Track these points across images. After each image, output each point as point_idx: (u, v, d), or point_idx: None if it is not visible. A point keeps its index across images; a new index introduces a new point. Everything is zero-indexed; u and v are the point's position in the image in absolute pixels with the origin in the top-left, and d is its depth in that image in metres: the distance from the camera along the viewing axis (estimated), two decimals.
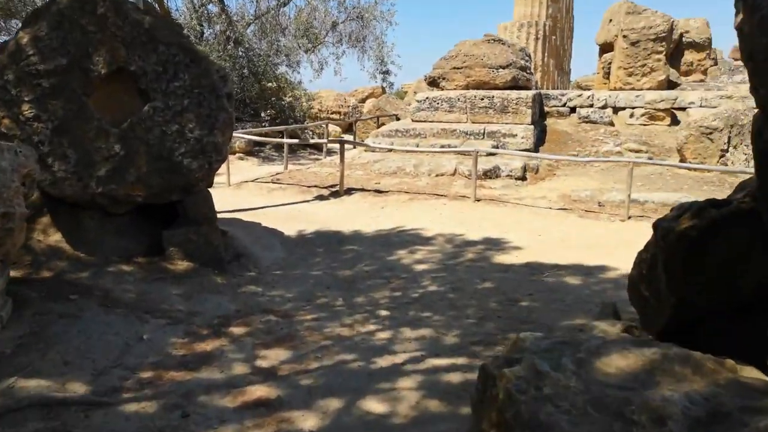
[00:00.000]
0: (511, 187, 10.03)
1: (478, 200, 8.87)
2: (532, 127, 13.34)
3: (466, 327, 3.97)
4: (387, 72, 15.97)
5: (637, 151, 12.10)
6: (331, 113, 24.60)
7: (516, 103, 13.62)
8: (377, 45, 15.69)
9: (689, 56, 17.56)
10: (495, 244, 6.53)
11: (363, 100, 32.93)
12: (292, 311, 4.34)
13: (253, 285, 4.99)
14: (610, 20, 17.90)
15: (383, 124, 19.39)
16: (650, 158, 11.26)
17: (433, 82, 16.89)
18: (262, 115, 16.87)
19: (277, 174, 11.34)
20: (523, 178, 10.55)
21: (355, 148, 13.35)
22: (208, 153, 5.12)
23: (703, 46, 17.09)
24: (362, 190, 9.65)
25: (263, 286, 4.98)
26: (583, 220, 7.86)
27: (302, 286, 5.02)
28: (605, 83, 21.66)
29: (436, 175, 10.67)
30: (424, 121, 14.53)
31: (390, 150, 9.61)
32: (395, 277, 5.33)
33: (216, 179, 5.81)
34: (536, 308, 4.42)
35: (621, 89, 17.01)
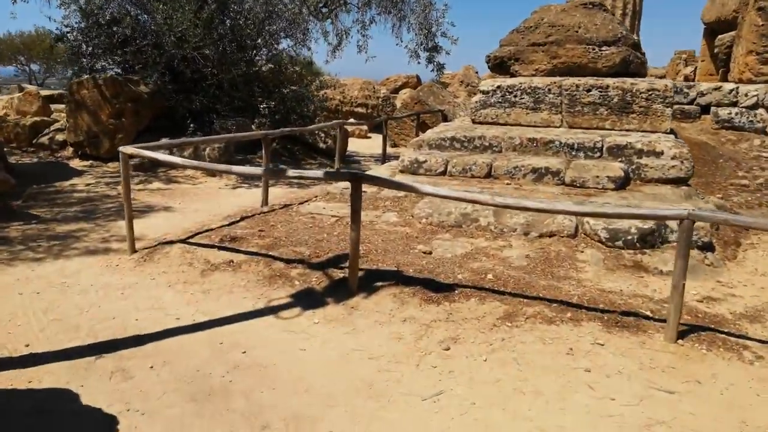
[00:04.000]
0: (700, 273, 4.84)
1: (684, 334, 3.67)
2: (674, 137, 8.13)
3: None
4: (435, 49, 10.91)
5: None
6: (356, 106, 19.53)
7: (647, 99, 8.38)
8: (422, 8, 10.60)
9: None
10: None
11: (395, 91, 27.79)
12: None
13: None
14: None
15: (424, 123, 14.23)
16: None
17: (499, 66, 11.70)
18: (261, 108, 11.93)
19: (246, 217, 6.34)
20: (710, 248, 5.34)
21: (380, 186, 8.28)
22: None
23: None
24: (395, 275, 4.60)
25: None
26: None
27: None
28: (712, 76, 16.10)
29: (539, 236, 5.54)
30: (493, 123, 9.42)
31: (454, 198, 4.42)
32: None
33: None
34: None
35: (751, 81, 11.63)
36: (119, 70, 11.35)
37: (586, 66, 10.21)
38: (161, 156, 4.72)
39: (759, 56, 11.72)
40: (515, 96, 9.39)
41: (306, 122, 12.14)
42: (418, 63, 11.34)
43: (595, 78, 9.13)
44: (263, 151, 6.88)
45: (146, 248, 5.22)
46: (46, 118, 11.63)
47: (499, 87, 9.52)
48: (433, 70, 11.53)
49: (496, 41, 11.53)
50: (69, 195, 7.71)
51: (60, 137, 10.56)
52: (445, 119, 14.56)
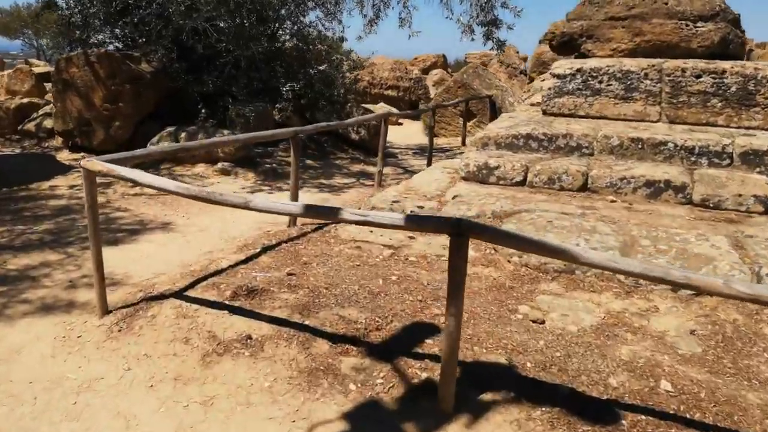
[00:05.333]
0: None
1: None
2: None
3: None
4: (494, 22, 9.04)
5: None
6: (386, 88, 17.66)
7: None
8: None
9: None
10: None
11: (425, 72, 25.83)
12: None
13: None
14: None
15: (469, 112, 12.38)
16: None
17: (566, 44, 9.90)
18: (283, 91, 10.18)
19: (268, 248, 4.63)
20: None
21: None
22: None
23: None
24: (507, 375, 2.87)
25: None
26: None
27: None
28: None
29: (695, 294, 3.78)
30: (571, 115, 7.66)
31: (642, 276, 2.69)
32: None
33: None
34: None
35: None
36: (118, 45, 9.67)
37: (677, 45, 8.40)
38: (140, 176, 3.03)
39: None
40: (600, 82, 7.56)
41: (336, 108, 10.38)
42: (472, 39, 9.50)
43: (706, 61, 7.25)
44: (292, 156, 5.16)
45: (125, 306, 3.55)
46: (35, 100, 10.01)
47: (579, 70, 7.68)
48: (492, 48, 9.65)
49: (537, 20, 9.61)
50: (44, 203, 6.08)
51: (49, 123, 8.94)
52: (493, 106, 12.71)
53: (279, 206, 2.75)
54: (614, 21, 9.22)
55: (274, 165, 8.80)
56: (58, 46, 9.93)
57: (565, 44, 9.69)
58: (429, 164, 9.18)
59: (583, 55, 9.22)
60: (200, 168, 8.07)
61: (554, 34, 9.98)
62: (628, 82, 7.42)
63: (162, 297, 3.64)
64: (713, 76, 6.92)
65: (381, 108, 14.35)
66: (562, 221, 4.76)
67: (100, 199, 6.38)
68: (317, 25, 10.38)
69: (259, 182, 7.92)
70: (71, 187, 6.72)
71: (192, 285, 3.82)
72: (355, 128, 10.57)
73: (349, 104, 10.67)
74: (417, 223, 2.55)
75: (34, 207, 5.89)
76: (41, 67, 13.50)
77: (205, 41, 8.92)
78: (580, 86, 7.70)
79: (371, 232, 5.10)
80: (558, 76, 7.85)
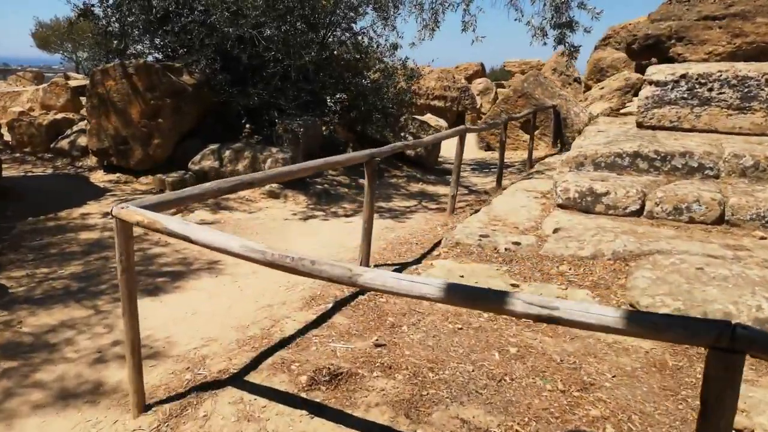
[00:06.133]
0: None
1: None
2: None
3: None
4: (569, 25, 8.00)
5: None
6: (433, 98, 16.70)
7: None
8: None
9: None
10: None
11: (468, 80, 24.80)
12: None
13: None
14: None
15: (531, 122, 11.30)
16: None
17: (651, 48, 8.90)
18: (329, 102, 9.31)
19: (342, 302, 3.69)
20: None
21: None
22: None
23: None
24: None
25: None
26: None
27: None
28: None
29: None
30: (673, 128, 6.63)
31: None
32: None
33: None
34: None
35: None
36: (158, 55, 8.95)
37: None
38: (195, 232, 2.12)
39: None
40: (711, 89, 6.47)
41: (389, 122, 9.46)
42: (544, 44, 8.45)
43: None
44: (366, 183, 4.22)
45: (168, 400, 2.64)
46: (69, 116, 9.36)
47: (683, 76, 6.61)
48: (564, 53, 8.61)
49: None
50: (73, 236, 5.27)
51: (83, 141, 8.24)
52: (557, 117, 11.61)
53: (401, 284, 1.79)
54: (709, 21, 8.12)
55: (326, 186, 7.91)
56: (94, 58, 9.29)
57: (650, 48, 8.60)
58: (499, 184, 8.16)
59: (671, 60, 8.12)
60: (245, 191, 7.23)
61: (635, 36, 8.84)
62: (745, 90, 6.31)
63: (217, 384, 2.72)
64: None
65: (429, 120, 13.39)
66: (717, 268, 3.69)
67: (136, 230, 5.57)
68: (368, 31, 9.51)
69: (311, 206, 7.03)
70: (104, 215, 5.93)
71: (254, 364, 2.89)
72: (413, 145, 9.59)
73: (404, 117, 9.74)
74: (646, 326, 1.55)
75: (62, 242, 5.08)
76: (78, 80, 12.98)
77: (251, 50, 8.12)
78: (685, 95, 6.61)
79: (462, 277, 4.13)
80: (657, 84, 6.78)
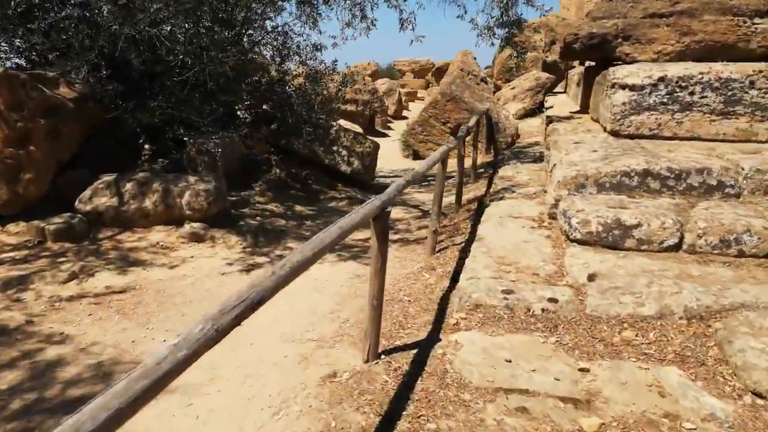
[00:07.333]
0: None
1: None
2: None
3: None
4: (517, 24, 7.16)
5: None
6: (344, 102, 15.48)
7: None
8: None
9: None
10: None
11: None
12: None
13: None
14: None
15: (448, 124, 10.46)
16: None
17: (595, 48, 8.40)
18: (240, 114, 7.80)
19: None
20: None
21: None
22: None
23: None
24: None
25: None
26: None
27: None
28: None
29: None
30: (653, 136, 6.09)
31: None
32: None
33: None
34: None
35: None
36: (21, 62, 6.95)
37: (734, 46, 7.04)
38: None
39: None
40: (692, 93, 5.92)
41: (318, 134, 8.15)
42: (492, 44, 7.61)
43: (726, 64, 5.86)
44: (374, 243, 2.99)
45: None
46: None
47: (661, 79, 6.03)
48: (513, 55, 7.80)
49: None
50: None
51: None
52: (489, 122, 10.90)
53: None
54: (656, 18, 7.68)
55: (258, 219, 6.46)
56: None
57: (594, 47, 8.02)
58: (458, 201, 7.18)
59: (618, 60, 7.61)
60: (159, 234, 5.62)
61: (576, 35, 8.24)
62: (729, 93, 5.82)
63: None
64: None
65: (345, 126, 12.22)
66: None
67: (16, 315, 3.87)
68: (287, 30, 8.10)
69: (248, 249, 5.58)
70: None
71: None
72: (345, 157, 8.37)
73: (334, 128, 8.46)
74: None
75: None
76: None
77: (148, 54, 6.46)
78: (665, 99, 6.02)
79: (530, 373, 3.03)
80: (632, 88, 6.13)
